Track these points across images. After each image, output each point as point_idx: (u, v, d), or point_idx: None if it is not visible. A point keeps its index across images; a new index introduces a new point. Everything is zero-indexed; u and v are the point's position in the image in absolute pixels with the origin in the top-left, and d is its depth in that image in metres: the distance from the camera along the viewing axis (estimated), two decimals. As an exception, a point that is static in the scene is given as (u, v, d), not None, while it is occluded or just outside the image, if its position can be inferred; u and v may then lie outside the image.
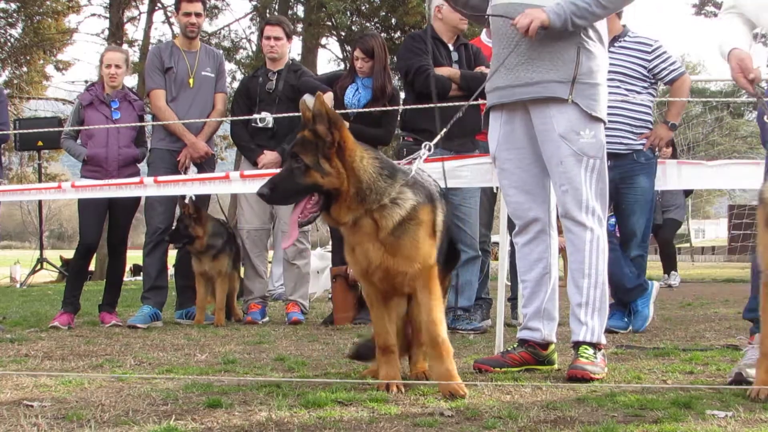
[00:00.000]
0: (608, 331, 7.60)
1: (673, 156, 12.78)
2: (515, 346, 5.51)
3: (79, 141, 8.91)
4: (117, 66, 8.90)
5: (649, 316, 8.00)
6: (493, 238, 9.52)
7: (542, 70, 5.16)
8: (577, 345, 5.25)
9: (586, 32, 5.17)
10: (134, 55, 26.77)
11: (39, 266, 19.20)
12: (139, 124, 8.90)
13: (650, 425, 3.73)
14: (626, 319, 7.97)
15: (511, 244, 8.01)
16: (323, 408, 4.09)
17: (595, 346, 5.21)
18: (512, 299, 8.33)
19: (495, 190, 7.66)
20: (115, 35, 26.94)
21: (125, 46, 25.60)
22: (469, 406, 4.15)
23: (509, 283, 8.32)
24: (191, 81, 9.00)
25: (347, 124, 4.68)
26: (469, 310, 8.06)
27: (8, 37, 32.82)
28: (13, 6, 32.10)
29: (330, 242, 12.11)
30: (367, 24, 29.09)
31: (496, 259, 10.17)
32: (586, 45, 5.17)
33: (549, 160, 5.26)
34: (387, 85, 8.77)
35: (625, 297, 7.94)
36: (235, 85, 9.68)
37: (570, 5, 5.03)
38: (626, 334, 7.73)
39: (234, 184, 7.76)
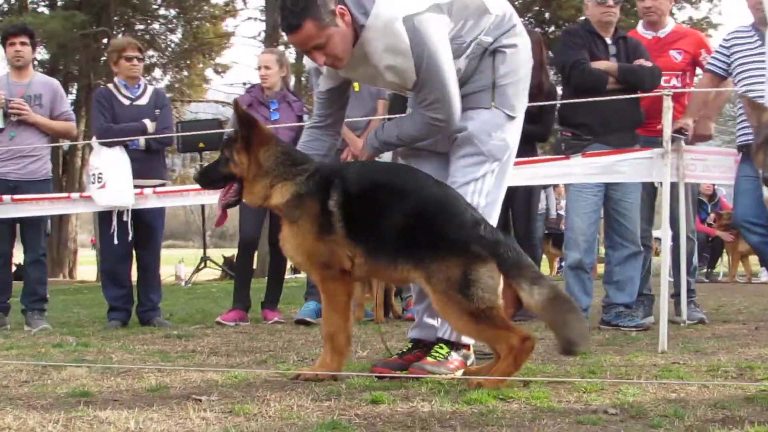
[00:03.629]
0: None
1: None
2: (410, 347, 5.37)
3: (240, 142, 9.07)
4: (266, 67, 9.07)
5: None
6: (655, 234, 9.37)
7: None
8: None
9: None
10: (291, 56, 27.11)
11: (203, 264, 19.65)
12: (297, 124, 9.02)
13: (826, 426, 3.60)
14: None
15: (673, 239, 7.92)
16: (485, 404, 4.09)
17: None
18: (675, 295, 8.18)
19: (657, 185, 7.54)
20: (272, 37, 27.32)
21: (281, 48, 25.94)
22: (633, 404, 4.08)
23: (672, 279, 8.17)
24: (356, 85, 9.06)
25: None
26: (631, 307, 7.95)
27: (169, 43, 33.71)
28: (173, 12, 32.93)
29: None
30: (521, 18, 28.90)
31: (657, 254, 10.01)
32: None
33: None
34: (544, 82, 8.70)
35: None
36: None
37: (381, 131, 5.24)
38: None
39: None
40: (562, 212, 19.16)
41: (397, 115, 5.75)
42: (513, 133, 5.21)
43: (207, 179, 5.32)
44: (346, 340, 5.00)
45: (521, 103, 5.25)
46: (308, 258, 4.96)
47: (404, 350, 5.36)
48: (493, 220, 5.06)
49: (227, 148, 5.09)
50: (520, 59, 5.20)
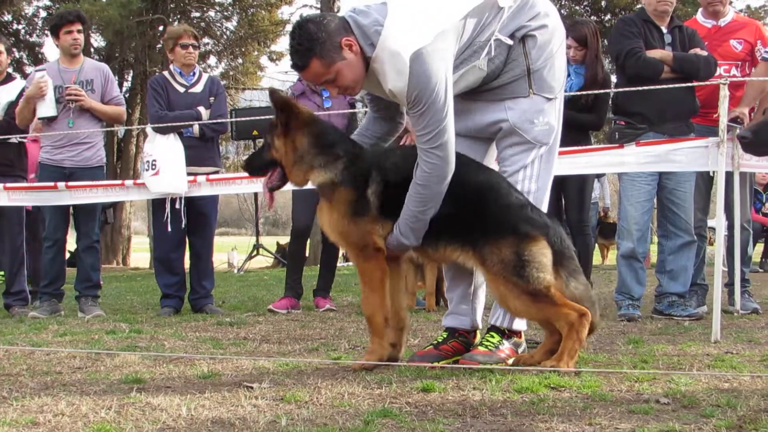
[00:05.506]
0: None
1: None
2: (445, 336, 5.31)
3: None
4: None
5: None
6: (710, 223, 9.29)
7: None
8: None
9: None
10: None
11: (255, 252, 19.74)
12: (348, 110, 9.03)
13: None
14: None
15: (728, 229, 7.85)
16: (536, 393, 4.09)
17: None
18: (729, 285, 8.12)
19: (711, 174, 7.47)
20: (326, 25, 27.34)
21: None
22: (685, 393, 4.06)
23: (726, 269, 8.10)
24: None
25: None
26: (684, 296, 7.91)
27: (224, 30, 33.84)
28: (229, 0, 33.07)
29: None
30: (577, 7, 28.79)
31: (712, 244, 9.94)
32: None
33: None
34: (599, 73, 8.66)
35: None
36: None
37: (402, 222, 4.89)
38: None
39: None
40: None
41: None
42: (555, 113, 5.17)
43: (252, 166, 5.40)
44: (383, 321, 5.03)
45: (558, 81, 5.21)
46: (342, 238, 5.03)
47: (440, 340, 5.33)
48: (544, 205, 5.07)
49: (269, 134, 5.20)
50: (550, 37, 5.14)
